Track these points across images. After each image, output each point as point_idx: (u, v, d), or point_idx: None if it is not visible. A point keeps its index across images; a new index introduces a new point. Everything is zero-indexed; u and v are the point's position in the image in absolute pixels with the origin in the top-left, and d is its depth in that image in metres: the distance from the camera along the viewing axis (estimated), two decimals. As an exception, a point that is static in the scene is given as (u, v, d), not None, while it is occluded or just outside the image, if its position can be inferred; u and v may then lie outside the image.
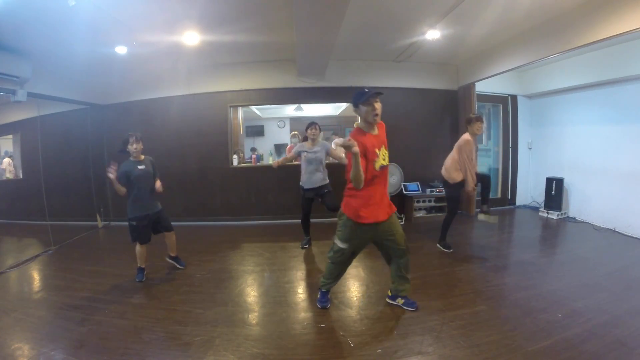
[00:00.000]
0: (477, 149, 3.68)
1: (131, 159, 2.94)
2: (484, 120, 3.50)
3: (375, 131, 2.24)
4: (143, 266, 3.10)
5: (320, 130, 3.63)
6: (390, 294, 2.53)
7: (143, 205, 2.95)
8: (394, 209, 2.35)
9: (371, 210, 2.19)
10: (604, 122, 4.39)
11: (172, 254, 3.32)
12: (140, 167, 2.93)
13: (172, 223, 3.21)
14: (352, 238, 2.27)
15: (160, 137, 5.02)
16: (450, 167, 3.46)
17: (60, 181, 5.24)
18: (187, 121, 5.10)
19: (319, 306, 2.48)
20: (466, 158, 3.33)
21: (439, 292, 2.67)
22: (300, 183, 3.66)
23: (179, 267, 3.31)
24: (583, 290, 2.62)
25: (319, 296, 2.53)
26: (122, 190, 2.83)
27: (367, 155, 2.10)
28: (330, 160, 3.81)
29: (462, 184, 3.41)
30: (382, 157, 2.21)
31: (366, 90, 2.14)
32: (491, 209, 3.74)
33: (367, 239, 2.33)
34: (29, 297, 2.83)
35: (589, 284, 2.73)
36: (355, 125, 6.52)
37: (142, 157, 3.00)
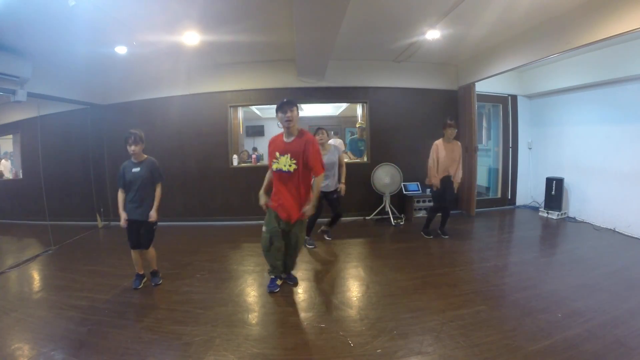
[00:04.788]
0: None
1: (131, 159, 2.77)
2: (456, 126, 3.91)
3: (289, 139, 2.52)
4: (140, 272, 2.91)
5: (328, 135, 3.79)
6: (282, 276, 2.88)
7: (132, 208, 2.75)
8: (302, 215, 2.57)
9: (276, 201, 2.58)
10: (604, 122, 4.39)
11: (150, 269, 2.99)
12: (134, 169, 2.72)
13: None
14: (267, 222, 2.63)
15: (160, 137, 5.01)
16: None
17: (60, 181, 5.23)
18: (187, 121, 5.10)
19: (267, 291, 2.73)
20: (433, 159, 3.87)
21: (439, 292, 2.67)
22: None
23: (151, 283, 2.94)
24: (583, 290, 2.62)
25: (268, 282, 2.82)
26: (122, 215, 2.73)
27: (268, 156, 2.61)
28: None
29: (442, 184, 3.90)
30: (284, 163, 2.49)
31: (284, 100, 2.44)
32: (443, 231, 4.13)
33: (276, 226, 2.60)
34: (29, 297, 2.82)
35: (589, 284, 2.73)
36: (357, 125, 6.44)
37: (144, 157, 2.80)
